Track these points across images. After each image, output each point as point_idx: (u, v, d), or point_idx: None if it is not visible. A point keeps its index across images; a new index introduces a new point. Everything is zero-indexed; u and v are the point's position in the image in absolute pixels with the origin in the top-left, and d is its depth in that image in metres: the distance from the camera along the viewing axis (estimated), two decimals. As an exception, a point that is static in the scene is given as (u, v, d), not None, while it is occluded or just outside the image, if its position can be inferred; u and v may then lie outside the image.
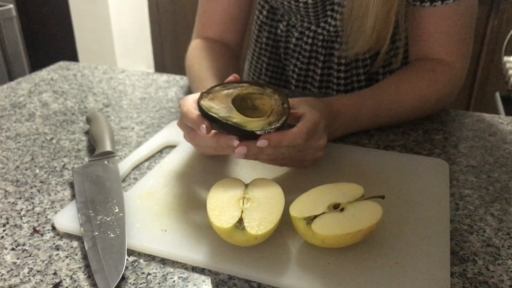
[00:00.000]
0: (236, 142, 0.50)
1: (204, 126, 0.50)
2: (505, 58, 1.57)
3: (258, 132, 0.49)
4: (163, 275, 0.42)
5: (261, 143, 0.49)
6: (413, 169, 0.58)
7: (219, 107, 0.51)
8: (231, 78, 0.55)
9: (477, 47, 2.04)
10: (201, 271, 0.43)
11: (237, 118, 0.50)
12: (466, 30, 0.69)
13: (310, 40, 0.82)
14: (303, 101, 0.57)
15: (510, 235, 0.47)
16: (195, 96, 0.55)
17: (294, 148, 0.52)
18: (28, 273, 0.42)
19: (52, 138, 0.67)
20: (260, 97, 0.54)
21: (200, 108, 0.51)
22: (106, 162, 0.58)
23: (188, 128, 0.55)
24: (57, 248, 0.45)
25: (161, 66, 2.88)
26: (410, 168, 0.58)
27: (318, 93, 0.86)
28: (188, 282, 0.41)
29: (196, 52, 0.77)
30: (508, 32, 1.83)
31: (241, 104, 0.53)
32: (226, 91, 0.53)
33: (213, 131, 0.52)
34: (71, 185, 0.56)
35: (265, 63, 0.91)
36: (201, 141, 0.54)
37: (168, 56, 2.86)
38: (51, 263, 0.43)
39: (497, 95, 1.57)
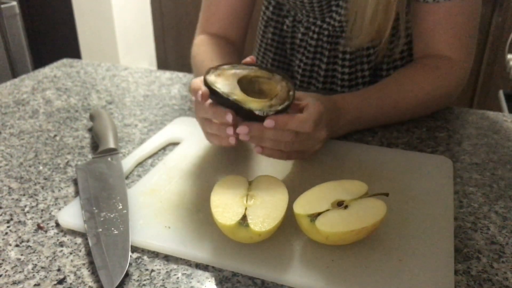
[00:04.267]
0: (229, 116, 0.50)
1: (200, 92, 0.51)
2: (509, 56, 1.57)
3: (257, 112, 0.49)
4: (167, 271, 0.42)
5: (268, 123, 0.49)
6: (417, 166, 0.58)
7: (223, 84, 0.51)
8: (248, 59, 0.55)
9: (480, 45, 2.03)
10: (205, 267, 0.43)
11: (238, 96, 0.50)
12: (470, 26, 0.69)
13: (315, 36, 0.82)
14: (308, 94, 0.57)
15: (514, 232, 0.47)
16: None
17: (297, 137, 0.52)
18: (32, 269, 0.42)
19: (55, 135, 0.67)
20: (268, 82, 0.54)
21: (204, 81, 0.51)
22: (109, 159, 0.58)
23: (196, 102, 0.55)
24: (61, 244, 0.46)
25: (163, 63, 2.88)
26: (414, 166, 0.58)
27: (323, 88, 0.86)
28: (192, 278, 0.41)
29: (203, 48, 0.77)
30: (512, 29, 1.83)
31: (248, 86, 0.53)
32: (234, 71, 0.53)
33: (209, 100, 0.53)
34: (75, 182, 0.56)
35: (270, 59, 0.91)
36: (201, 112, 0.54)
37: (171, 54, 2.86)
38: (55, 260, 0.44)
39: (501, 93, 1.56)
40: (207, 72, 0.52)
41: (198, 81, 0.55)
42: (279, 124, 0.49)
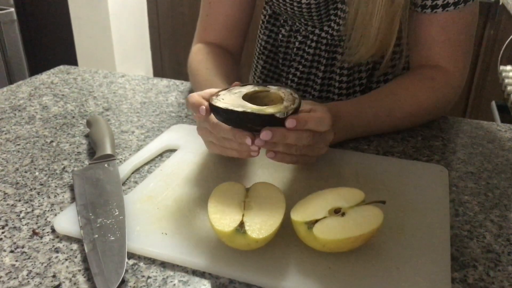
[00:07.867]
0: (248, 140, 0.50)
1: (203, 107, 0.51)
2: (501, 67, 1.58)
3: (278, 115, 0.49)
4: (163, 278, 0.42)
5: (290, 122, 0.49)
6: (413, 175, 0.58)
7: (232, 103, 0.51)
8: (236, 84, 0.56)
9: (473, 56, 2.05)
10: (202, 274, 0.43)
11: (251, 108, 0.50)
12: (466, 37, 0.70)
13: (313, 44, 0.82)
14: (307, 101, 0.58)
15: (510, 241, 0.48)
16: (201, 92, 0.55)
17: (313, 138, 0.52)
18: (27, 275, 0.42)
19: (52, 141, 0.67)
20: (267, 94, 0.55)
21: (213, 106, 0.51)
22: (106, 165, 0.57)
23: (198, 118, 0.55)
24: (57, 250, 0.45)
25: (159, 71, 2.88)
26: (410, 174, 0.58)
27: (319, 97, 0.86)
28: (189, 285, 0.41)
29: (200, 57, 0.77)
30: (504, 41, 1.85)
31: (250, 103, 0.53)
32: (235, 91, 0.54)
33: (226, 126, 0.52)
34: (71, 188, 0.55)
35: (260, 66, 0.92)
36: (220, 132, 0.53)
37: (167, 62, 2.86)
38: (50, 266, 0.43)
39: (493, 104, 1.58)
40: (211, 99, 0.52)
41: (196, 96, 0.53)
42: (300, 122, 0.50)
